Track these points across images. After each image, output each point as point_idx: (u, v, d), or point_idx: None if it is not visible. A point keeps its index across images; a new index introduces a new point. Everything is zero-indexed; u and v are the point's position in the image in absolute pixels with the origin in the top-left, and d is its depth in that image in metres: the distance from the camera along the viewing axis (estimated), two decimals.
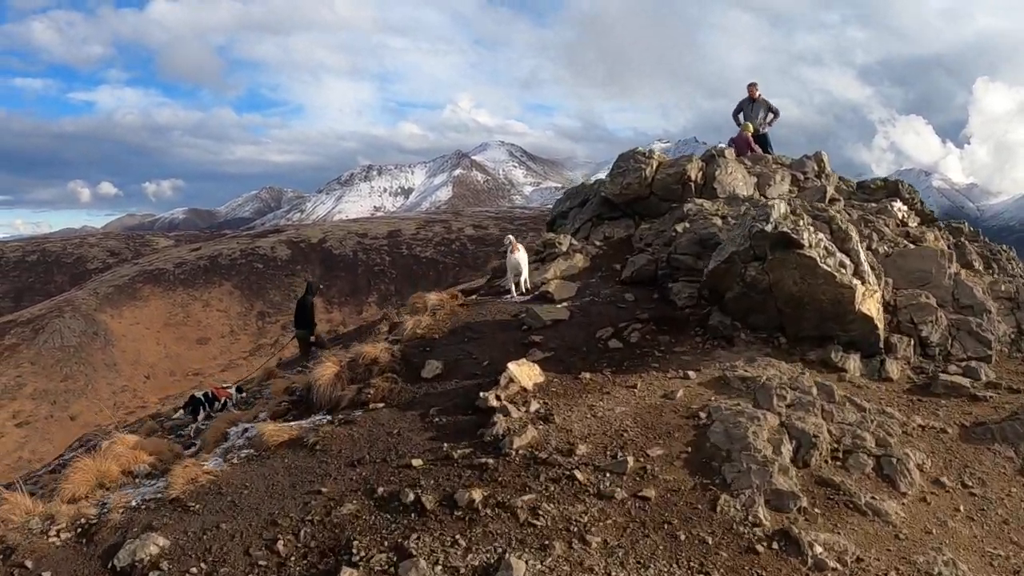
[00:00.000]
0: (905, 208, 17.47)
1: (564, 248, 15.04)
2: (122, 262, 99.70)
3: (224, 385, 14.55)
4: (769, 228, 10.07)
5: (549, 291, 12.45)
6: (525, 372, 9.42)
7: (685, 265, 12.17)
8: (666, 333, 11.16)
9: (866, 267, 11.02)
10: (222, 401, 13.50)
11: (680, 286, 11.73)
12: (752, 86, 20.54)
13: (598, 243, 15.78)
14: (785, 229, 10.10)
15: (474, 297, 14.09)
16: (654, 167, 16.57)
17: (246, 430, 9.85)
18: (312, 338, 18.09)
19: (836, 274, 10.35)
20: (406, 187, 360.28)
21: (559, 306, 11.93)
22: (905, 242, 15.08)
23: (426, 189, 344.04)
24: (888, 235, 15.07)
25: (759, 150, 19.70)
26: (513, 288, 13.17)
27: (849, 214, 15.34)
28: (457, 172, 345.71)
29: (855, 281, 10.48)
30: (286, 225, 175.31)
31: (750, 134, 19.75)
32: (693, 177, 16.07)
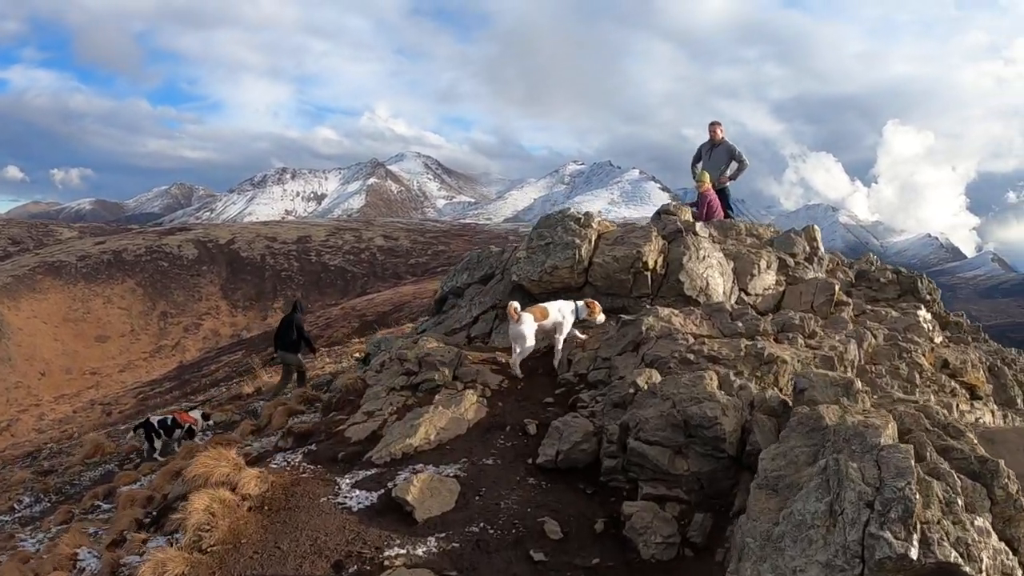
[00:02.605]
0: (929, 316, 12.65)
1: (446, 375, 9.66)
2: (23, 252, 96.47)
3: (188, 409, 13.62)
4: (915, 554, 4.44)
5: (408, 500, 6.88)
6: None
7: (653, 463, 6.79)
8: None
9: None
10: (185, 427, 12.31)
11: (646, 517, 6.27)
12: (715, 126, 15.49)
13: (503, 360, 10.41)
14: (949, 557, 4.55)
15: (287, 470, 8.40)
16: (592, 242, 11.29)
17: None
18: (301, 358, 16.34)
19: None
20: (319, 192, 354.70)
21: (419, 550, 6.34)
22: (953, 384, 10.36)
23: (339, 196, 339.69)
24: (927, 371, 10.37)
25: (720, 214, 14.70)
26: (518, 365, 10.03)
27: (875, 336, 10.40)
28: (371, 181, 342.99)
29: None
30: (195, 224, 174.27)
31: (707, 187, 14.68)
32: (651, 264, 10.86)
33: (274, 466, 8.82)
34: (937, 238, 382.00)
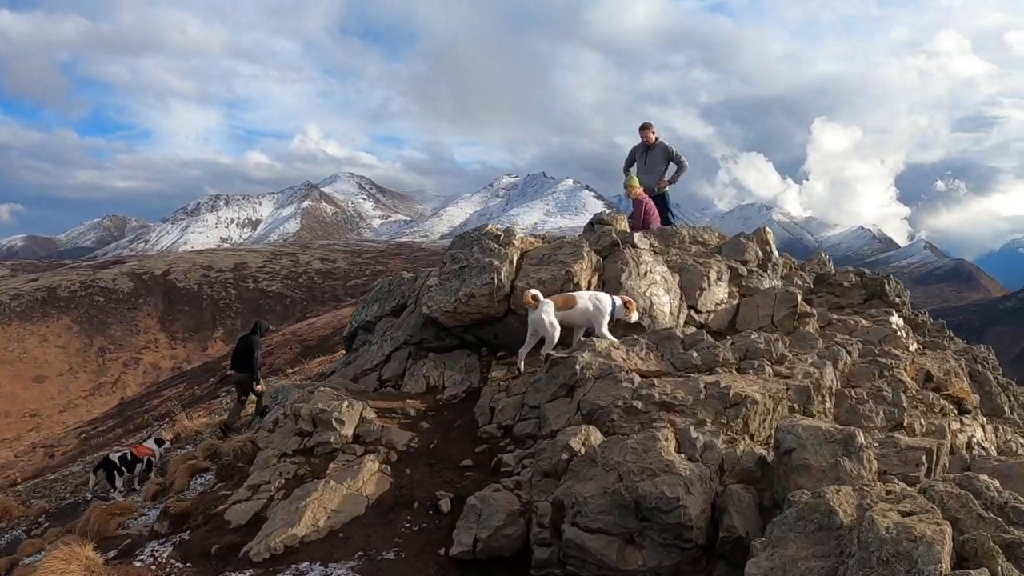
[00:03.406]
0: (902, 322, 11.20)
1: (344, 437, 7.85)
2: None
3: (142, 442, 13.29)
4: None
5: None
6: None
7: (597, 558, 5.05)
8: None
9: None
10: (144, 461, 11.97)
11: None
12: (646, 128, 13.83)
13: (413, 412, 8.61)
14: None
15: (152, 569, 6.50)
16: (514, 263, 9.54)
17: None
18: (256, 387, 14.71)
19: None
20: (254, 218, 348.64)
21: None
22: (941, 401, 8.95)
23: (274, 221, 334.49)
24: (911, 388, 8.92)
25: (657, 220, 13.09)
26: (544, 355, 8.58)
27: (849, 353, 8.85)
28: (306, 204, 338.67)
29: None
30: (129, 256, 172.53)
31: (639, 192, 13.06)
32: (584, 285, 9.17)
33: (139, 563, 7.14)
34: (870, 230, 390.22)
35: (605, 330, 8.68)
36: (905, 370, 9.22)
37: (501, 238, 10.02)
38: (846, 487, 4.07)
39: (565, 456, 5.88)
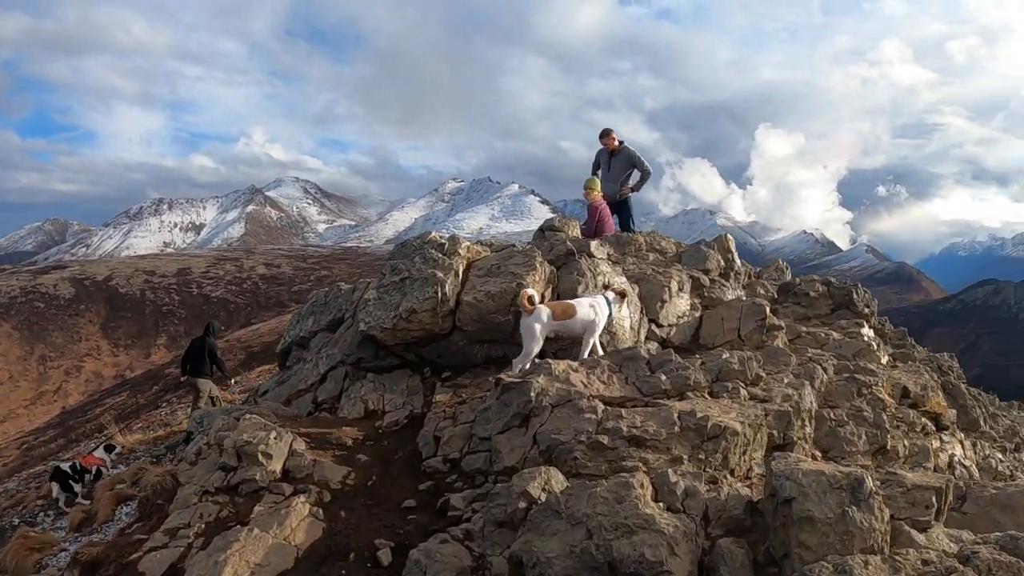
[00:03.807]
0: (872, 333, 10.63)
1: (271, 473, 6.94)
2: None
3: (91, 451, 12.51)
4: None
5: None
6: None
7: None
8: None
9: None
10: (93, 470, 11.29)
11: None
12: (606, 135, 13.18)
13: (349, 442, 7.72)
14: None
15: None
16: (460, 274, 8.69)
17: None
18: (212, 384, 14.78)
19: None
20: (197, 222, 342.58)
21: None
22: (923, 419, 8.38)
23: (218, 225, 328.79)
24: (890, 407, 8.34)
25: (611, 227, 12.41)
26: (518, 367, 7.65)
27: (825, 370, 8.20)
28: (250, 208, 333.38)
29: None
30: (70, 261, 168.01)
31: (596, 196, 12.38)
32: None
33: None
34: (812, 234, 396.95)
35: (593, 340, 7.94)
36: (883, 387, 8.59)
37: (445, 247, 9.13)
38: (874, 558, 3.33)
39: (523, 504, 5.03)
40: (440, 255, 8.95)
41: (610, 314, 8.12)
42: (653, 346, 9.05)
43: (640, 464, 5.17)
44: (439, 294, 8.30)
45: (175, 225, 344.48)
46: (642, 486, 4.66)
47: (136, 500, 10.06)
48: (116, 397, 48.93)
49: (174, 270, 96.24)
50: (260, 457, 7.19)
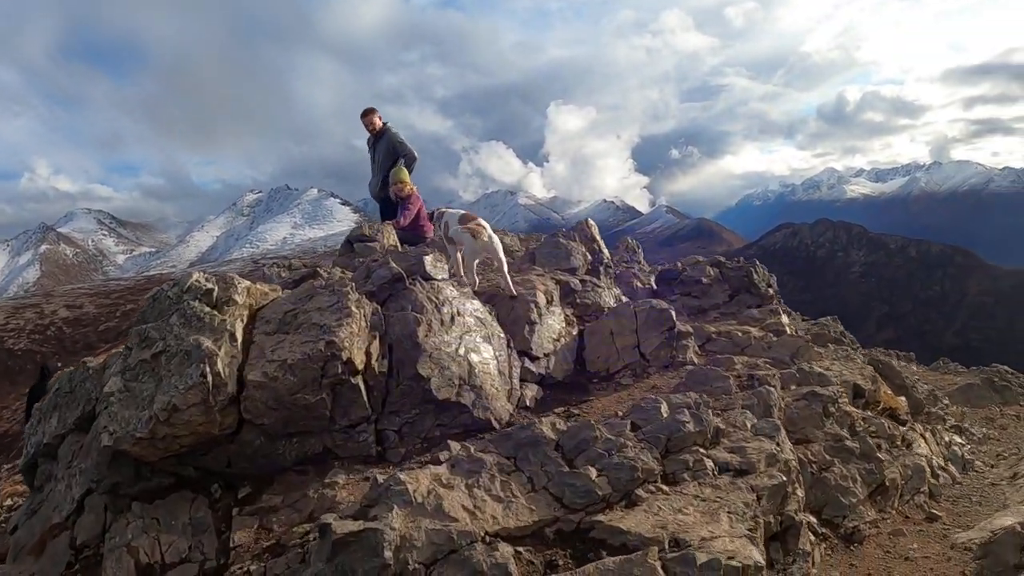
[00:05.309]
0: (787, 319, 8.54)
1: None
2: None
3: None
4: None
5: None
6: None
7: None
8: None
9: None
10: None
11: None
12: (368, 114, 10.81)
13: None
14: None
15: None
16: (239, 334, 5.74)
17: None
18: None
19: None
20: None
21: None
22: (894, 427, 6.20)
23: (11, 271, 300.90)
24: (858, 421, 6.05)
25: (430, 229, 9.84)
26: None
27: (772, 387, 5.86)
28: (43, 248, 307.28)
29: None
30: None
31: (409, 188, 9.82)
32: (359, 362, 5.54)
33: None
34: (613, 201, 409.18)
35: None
36: (845, 396, 6.41)
37: (215, 295, 6.08)
38: None
39: None
40: (207, 309, 5.91)
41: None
42: (533, 390, 6.47)
43: None
44: (208, 377, 5.29)
45: None
46: None
47: None
48: None
49: None
50: None
